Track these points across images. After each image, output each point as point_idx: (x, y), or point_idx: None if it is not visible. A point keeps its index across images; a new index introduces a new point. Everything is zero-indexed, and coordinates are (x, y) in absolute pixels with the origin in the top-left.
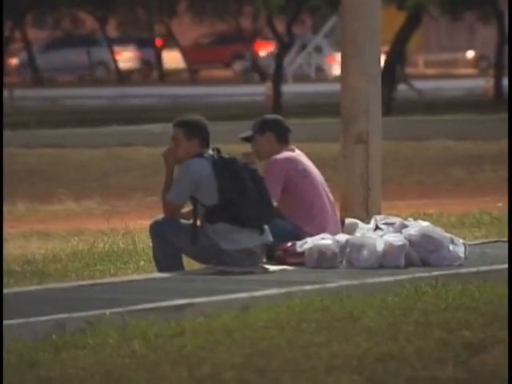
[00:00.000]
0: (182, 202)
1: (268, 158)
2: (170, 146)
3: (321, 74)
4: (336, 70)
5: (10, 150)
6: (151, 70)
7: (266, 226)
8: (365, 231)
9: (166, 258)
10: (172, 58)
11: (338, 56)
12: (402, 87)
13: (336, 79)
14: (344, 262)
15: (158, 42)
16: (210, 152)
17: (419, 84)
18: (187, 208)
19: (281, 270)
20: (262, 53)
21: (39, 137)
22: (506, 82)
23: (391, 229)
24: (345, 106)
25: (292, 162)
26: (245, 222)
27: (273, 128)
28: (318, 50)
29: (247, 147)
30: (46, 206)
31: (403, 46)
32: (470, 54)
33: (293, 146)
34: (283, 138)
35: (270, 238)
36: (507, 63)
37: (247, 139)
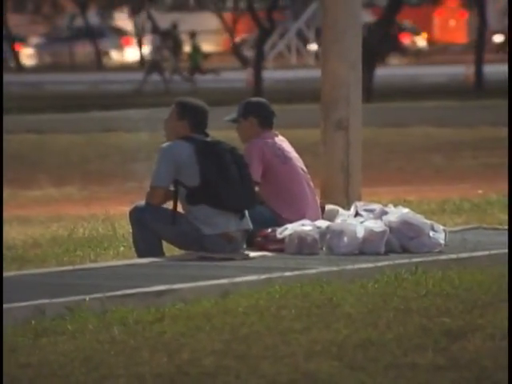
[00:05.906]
0: (165, 185)
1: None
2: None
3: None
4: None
5: None
6: None
7: (246, 212)
8: (345, 218)
9: (145, 243)
10: None
11: None
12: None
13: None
14: (324, 249)
15: None
16: (197, 136)
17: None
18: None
19: (261, 256)
20: None
21: (20, 122)
22: (486, 69)
23: (371, 215)
24: (325, 92)
25: (269, 145)
26: (225, 205)
27: (256, 112)
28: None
29: (228, 132)
30: (26, 191)
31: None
32: None
33: (276, 132)
34: (266, 122)
35: (250, 225)
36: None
37: (233, 121)
